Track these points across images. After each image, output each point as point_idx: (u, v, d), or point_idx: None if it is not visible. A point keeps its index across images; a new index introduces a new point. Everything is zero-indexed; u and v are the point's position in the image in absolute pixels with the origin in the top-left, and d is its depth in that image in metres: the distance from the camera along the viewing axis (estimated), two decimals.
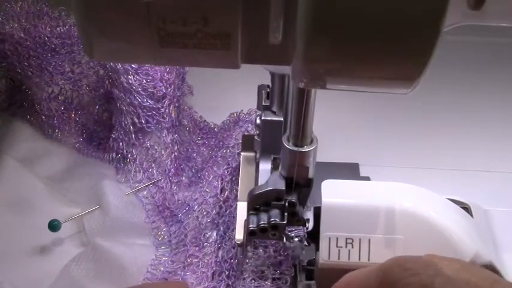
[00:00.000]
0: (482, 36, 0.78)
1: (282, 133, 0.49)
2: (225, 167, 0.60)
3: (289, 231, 0.48)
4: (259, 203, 0.47)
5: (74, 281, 0.50)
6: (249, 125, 0.64)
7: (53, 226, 0.55)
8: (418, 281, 0.32)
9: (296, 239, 0.50)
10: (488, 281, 0.31)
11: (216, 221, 0.57)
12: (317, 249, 0.48)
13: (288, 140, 0.46)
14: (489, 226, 0.54)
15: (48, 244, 0.56)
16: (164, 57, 0.32)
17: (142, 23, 0.30)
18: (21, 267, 0.54)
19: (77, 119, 0.65)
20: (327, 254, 0.46)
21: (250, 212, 0.48)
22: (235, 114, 0.66)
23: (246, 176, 0.56)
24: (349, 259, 0.46)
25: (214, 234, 0.56)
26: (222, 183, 0.58)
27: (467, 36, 0.77)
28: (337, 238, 0.46)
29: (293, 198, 0.47)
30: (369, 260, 0.45)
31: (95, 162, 0.64)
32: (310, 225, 0.50)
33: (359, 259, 0.45)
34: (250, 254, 0.50)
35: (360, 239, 0.46)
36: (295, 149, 0.45)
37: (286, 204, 0.47)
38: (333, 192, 0.47)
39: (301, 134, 0.44)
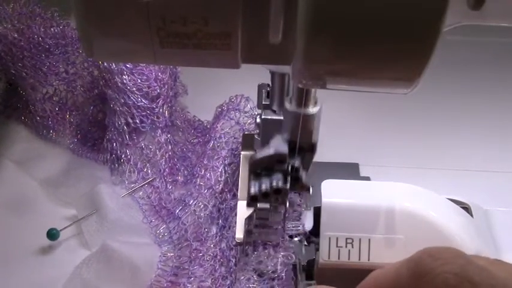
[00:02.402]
0: (482, 36, 0.78)
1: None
2: (215, 157, 0.60)
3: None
4: (260, 167, 0.45)
5: (85, 283, 0.51)
6: (232, 112, 0.63)
7: (52, 235, 0.55)
8: (451, 270, 0.32)
9: (296, 239, 0.50)
10: None
11: (213, 214, 0.57)
12: (317, 249, 0.48)
13: (291, 102, 0.43)
14: (489, 226, 0.54)
15: (48, 246, 0.56)
16: (164, 57, 0.32)
17: (142, 23, 0.30)
18: (25, 269, 0.54)
19: (72, 120, 0.65)
20: (327, 254, 0.46)
21: (252, 177, 0.46)
22: (221, 107, 0.65)
23: (246, 175, 0.56)
24: (349, 259, 0.46)
25: (214, 228, 0.56)
26: (215, 175, 0.58)
27: (467, 36, 0.76)
28: (337, 238, 0.46)
29: (296, 163, 0.45)
30: (368, 260, 0.45)
31: (90, 164, 0.63)
32: (310, 223, 0.50)
33: (359, 259, 0.45)
34: (250, 252, 0.50)
35: (360, 239, 0.46)
36: (299, 111, 0.43)
37: (289, 168, 0.45)
38: (333, 192, 0.47)
39: (305, 96, 0.42)
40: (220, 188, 0.58)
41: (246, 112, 0.63)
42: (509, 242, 0.52)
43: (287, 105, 0.43)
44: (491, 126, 0.70)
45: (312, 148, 0.45)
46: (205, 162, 0.60)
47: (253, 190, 0.45)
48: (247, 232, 0.50)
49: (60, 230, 0.56)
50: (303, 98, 0.42)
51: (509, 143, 0.68)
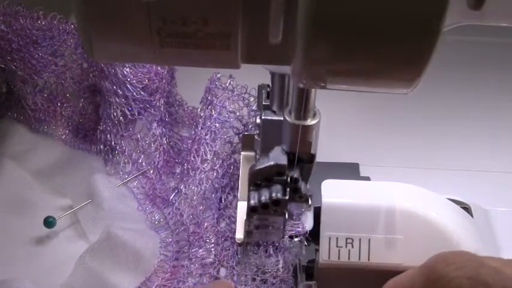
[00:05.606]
0: (482, 36, 0.78)
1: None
2: (196, 138, 0.59)
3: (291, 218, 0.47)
4: (260, 178, 0.46)
5: (91, 271, 0.51)
6: (207, 92, 0.62)
7: (49, 223, 0.56)
8: (464, 274, 0.32)
9: (296, 239, 0.50)
10: None
11: (206, 195, 0.57)
12: (317, 249, 0.48)
13: (290, 114, 0.44)
14: (489, 226, 0.54)
15: (46, 236, 0.57)
16: (164, 57, 0.32)
17: (143, 23, 0.30)
18: (24, 259, 0.55)
19: (63, 112, 0.65)
20: (327, 254, 0.46)
21: (251, 188, 0.46)
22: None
23: (246, 175, 0.56)
24: (349, 259, 0.46)
25: (209, 209, 0.56)
26: (199, 155, 0.58)
27: (467, 36, 0.76)
28: (337, 238, 0.46)
29: (295, 174, 0.45)
30: (368, 260, 0.45)
31: (83, 155, 0.64)
32: (310, 222, 0.50)
33: (359, 259, 0.45)
34: (250, 253, 0.50)
35: (360, 239, 0.46)
36: (298, 122, 0.43)
37: (288, 179, 0.45)
38: (333, 192, 0.47)
39: (304, 108, 0.43)
40: (209, 166, 0.58)
41: (215, 86, 0.62)
42: (509, 242, 0.52)
43: (286, 116, 0.44)
44: (491, 126, 0.70)
45: (311, 159, 0.46)
46: (188, 147, 0.60)
47: (252, 201, 0.46)
48: (248, 233, 0.50)
49: (58, 218, 0.56)
50: (302, 109, 0.43)
51: (509, 143, 0.68)
